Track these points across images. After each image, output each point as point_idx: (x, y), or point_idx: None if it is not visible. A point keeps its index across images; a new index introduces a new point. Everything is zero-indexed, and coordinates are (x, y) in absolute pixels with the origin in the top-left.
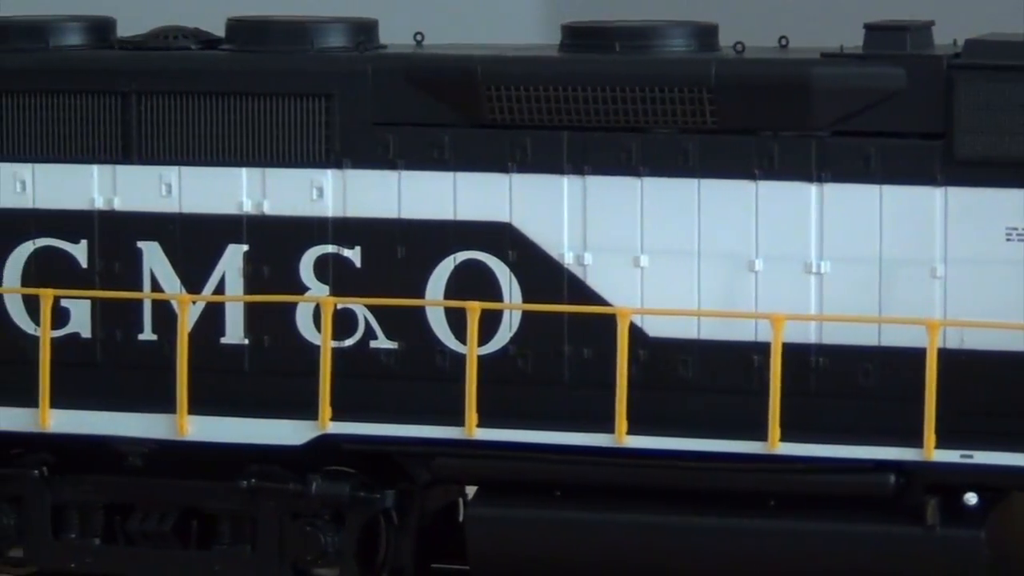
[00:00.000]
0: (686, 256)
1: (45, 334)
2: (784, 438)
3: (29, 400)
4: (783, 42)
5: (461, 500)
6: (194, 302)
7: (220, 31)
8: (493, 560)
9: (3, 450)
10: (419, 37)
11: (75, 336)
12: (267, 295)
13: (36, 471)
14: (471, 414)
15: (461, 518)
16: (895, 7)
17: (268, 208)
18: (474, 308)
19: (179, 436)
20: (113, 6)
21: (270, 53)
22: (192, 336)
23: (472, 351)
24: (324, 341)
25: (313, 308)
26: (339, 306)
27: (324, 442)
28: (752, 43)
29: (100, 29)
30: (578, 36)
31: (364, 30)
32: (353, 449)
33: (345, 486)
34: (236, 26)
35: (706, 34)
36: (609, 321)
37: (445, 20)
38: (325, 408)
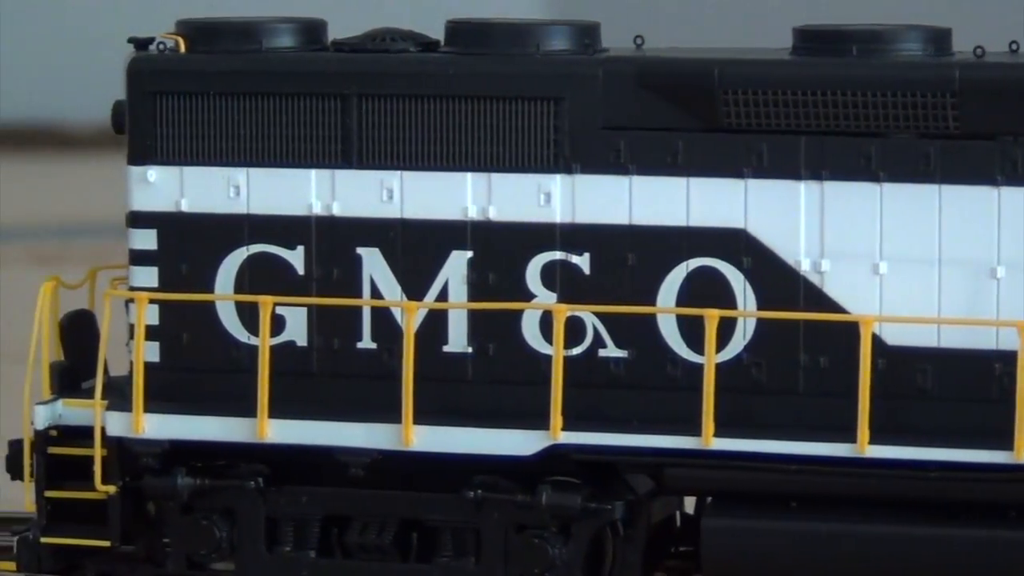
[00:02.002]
0: (926, 263)
1: (264, 342)
2: None
3: (242, 409)
4: (1014, 46)
5: (678, 512)
6: (419, 309)
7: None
8: (729, 572)
9: (207, 460)
10: (639, 40)
11: (290, 344)
12: (494, 302)
13: (252, 482)
14: (708, 424)
15: (678, 527)
16: None
17: (494, 214)
18: (712, 315)
19: (404, 447)
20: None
21: (495, 56)
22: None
23: (710, 359)
24: (556, 350)
25: (540, 316)
26: (568, 314)
27: (553, 453)
28: None
29: (312, 31)
30: (812, 39)
31: (588, 32)
32: (584, 460)
33: (576, 497)
34: (456, 28)
35: (941, 37)
36: (846, 329)
37: (442, 19)
38: (556, 418)
